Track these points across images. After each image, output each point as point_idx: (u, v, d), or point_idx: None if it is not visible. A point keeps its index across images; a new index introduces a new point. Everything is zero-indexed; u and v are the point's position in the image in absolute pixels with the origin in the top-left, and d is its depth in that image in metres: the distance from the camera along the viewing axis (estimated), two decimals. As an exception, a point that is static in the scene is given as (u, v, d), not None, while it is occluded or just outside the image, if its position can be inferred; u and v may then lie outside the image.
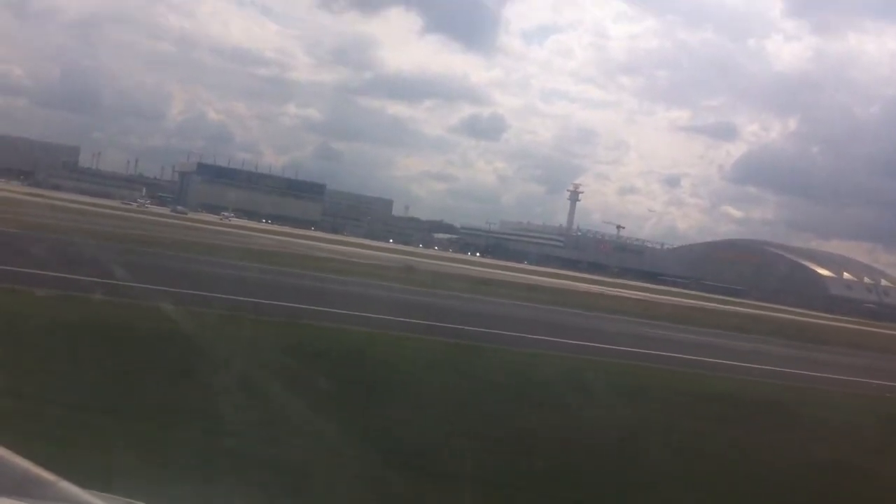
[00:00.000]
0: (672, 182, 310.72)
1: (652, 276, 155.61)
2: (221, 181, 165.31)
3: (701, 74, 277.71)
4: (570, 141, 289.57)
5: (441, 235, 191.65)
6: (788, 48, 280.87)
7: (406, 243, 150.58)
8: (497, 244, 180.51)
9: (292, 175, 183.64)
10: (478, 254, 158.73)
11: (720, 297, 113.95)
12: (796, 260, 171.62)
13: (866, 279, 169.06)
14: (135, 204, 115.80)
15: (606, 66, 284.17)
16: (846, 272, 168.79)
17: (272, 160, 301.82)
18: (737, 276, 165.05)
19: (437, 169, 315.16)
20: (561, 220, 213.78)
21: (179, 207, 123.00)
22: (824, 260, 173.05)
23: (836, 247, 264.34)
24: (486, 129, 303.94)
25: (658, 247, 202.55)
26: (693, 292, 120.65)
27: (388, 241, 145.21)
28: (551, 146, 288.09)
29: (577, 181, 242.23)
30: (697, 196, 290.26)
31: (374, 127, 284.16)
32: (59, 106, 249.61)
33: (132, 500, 2.28)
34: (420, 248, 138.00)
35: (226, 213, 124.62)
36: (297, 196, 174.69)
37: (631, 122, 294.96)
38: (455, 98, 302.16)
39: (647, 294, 72.89)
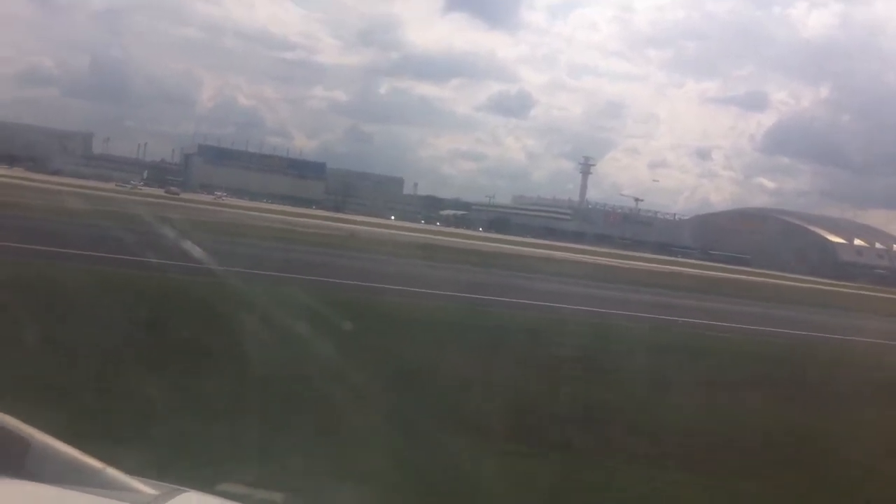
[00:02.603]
0: (703, 154, 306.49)
1: (659, 247, 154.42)
2: (222, 162, 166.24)
3: (728, 44, 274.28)
4: (598, 116, 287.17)
5: (447, 212, 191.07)
6: (815, 14, 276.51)
7: (408, 220, 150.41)
8: (501, 218, 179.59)
9: (320, 157, 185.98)
10: (480, 228, 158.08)
11: (715, 264, 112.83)
12: (807, 227, 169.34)
13: (877, 244, 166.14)
14: (128, 186, 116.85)
15: (633, 38, 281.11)
16: (857, 238, 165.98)
17: (303, 144, 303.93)
18: (748, 245, 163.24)
19: (467, 148, 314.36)
20: (591, 194, 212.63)
21: (172, 188, 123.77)
22: (835, 227, 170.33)
23: (873, 216, 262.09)
24: (513, 107, 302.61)
25: (671, 217, 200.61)
26: (686, 260, 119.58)
27: (389, 218, 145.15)
28: (580, 121, 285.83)
29: (607, 156, 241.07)
30: (730, 168, 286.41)
31: (403, 107, 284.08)
32: (89, 96, 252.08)
33: (179, 487, 2.22)
34: (419, 224, 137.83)
35: (219, 193, 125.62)
36: (298, 175, 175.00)
37: (660, 94, 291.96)
38: (482, 76, 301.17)
39: (602, 258, 72.33)
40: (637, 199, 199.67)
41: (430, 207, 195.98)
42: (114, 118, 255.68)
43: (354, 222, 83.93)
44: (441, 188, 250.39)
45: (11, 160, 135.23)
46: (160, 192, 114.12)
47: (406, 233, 70.35)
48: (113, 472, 2.16)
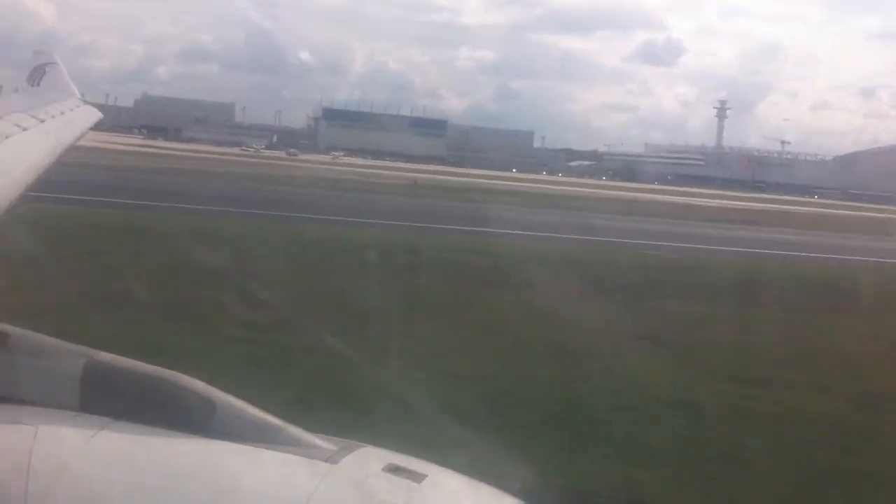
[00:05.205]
0: (868, 94, 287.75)
1: (794, 190, 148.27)
2: (345, 123, 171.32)
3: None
4: (753, 59, 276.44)
5: (575, 163, 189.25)
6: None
7: (530, 172, 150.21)
8: (628, 167, 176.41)
9: (470, 117, 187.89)
10: (603, 178, 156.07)
11: (832, 202, 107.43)
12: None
13: None
14: (251, 149, 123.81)
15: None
16: None
17: (452, 104, 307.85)
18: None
19: (616, 100, 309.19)
20: (750, 140, 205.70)
21: (292, 150, 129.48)
22: None
23: None
24: (662, 55, 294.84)
25: (813, 159, 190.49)
26: (803, 199, 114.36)
27: (510, 171, 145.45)
28: (734, 66, 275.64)
29: (766, 99, 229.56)
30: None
31: (549, 63, 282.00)
32: (247, 69, 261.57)
33: (359, 443, 2.34)
34: (538, 175, 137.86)
35: (335, 153, 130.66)
36: (419, 133, 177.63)
37: (818, 34, 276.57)
38: (628, 25, 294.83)
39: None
40: (784, 142, 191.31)
41: (561, 160, 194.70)
42: (271, 89, 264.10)
43: (444, 173, 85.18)
44: (591, 141, 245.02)
45: (157, 132, 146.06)
46: (281, 154, 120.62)
47: (478, 180, 70.93)
48: (294, 430, 2.31)
